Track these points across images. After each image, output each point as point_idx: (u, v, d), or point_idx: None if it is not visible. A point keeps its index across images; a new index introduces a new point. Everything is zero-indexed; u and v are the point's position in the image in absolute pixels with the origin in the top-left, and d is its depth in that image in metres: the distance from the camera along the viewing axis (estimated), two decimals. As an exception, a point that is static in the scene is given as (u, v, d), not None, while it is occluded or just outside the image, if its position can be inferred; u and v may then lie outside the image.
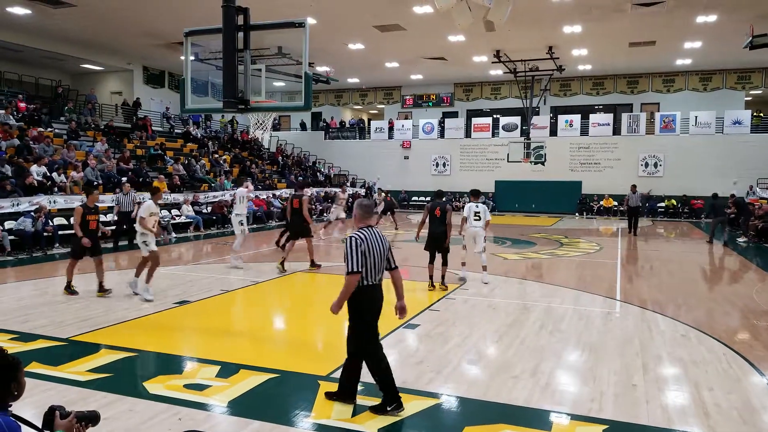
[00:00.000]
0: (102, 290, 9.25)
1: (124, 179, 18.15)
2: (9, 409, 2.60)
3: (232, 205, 15.85)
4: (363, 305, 4.71)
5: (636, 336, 7.21)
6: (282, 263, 11.80)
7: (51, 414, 2.72)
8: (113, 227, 15.44)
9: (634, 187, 20.85)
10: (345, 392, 4.92)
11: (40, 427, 2.71)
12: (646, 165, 29.36)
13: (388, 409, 4.72)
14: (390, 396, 4.75)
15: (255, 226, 20.85)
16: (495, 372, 5.84)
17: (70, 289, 9.23)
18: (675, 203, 28.27)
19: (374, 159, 34.31)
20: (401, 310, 4.96)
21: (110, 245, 15.00)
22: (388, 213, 21.91)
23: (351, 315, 4.78)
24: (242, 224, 12.53)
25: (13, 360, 2.66)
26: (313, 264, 12.15)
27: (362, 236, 4.65)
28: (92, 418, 2.88)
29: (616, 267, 12.92)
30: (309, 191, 18.19)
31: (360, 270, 4.58)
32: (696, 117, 28.70)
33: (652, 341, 6.99)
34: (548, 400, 5.12)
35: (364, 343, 4.79)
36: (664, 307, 8.96)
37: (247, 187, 13.05)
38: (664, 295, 10.02)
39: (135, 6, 18.72)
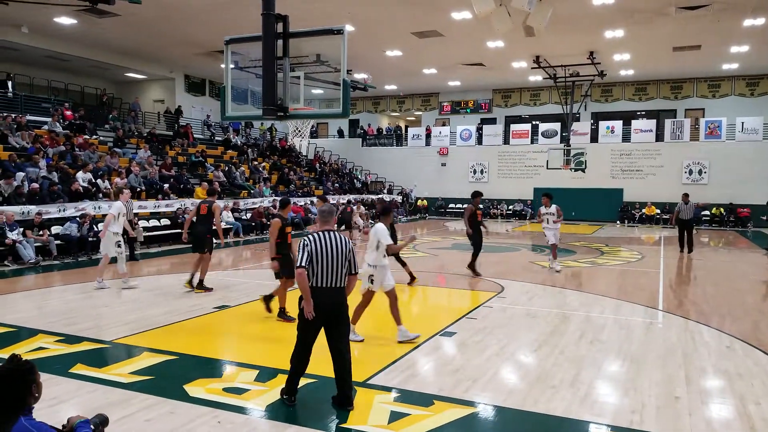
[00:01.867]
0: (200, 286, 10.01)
1: (119, 182, 18.15)
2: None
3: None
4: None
5: (679, 347, 7.00)
6: (191, 282, 10.23)
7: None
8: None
9: (686, 196, 17.35)
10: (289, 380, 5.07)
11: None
12: (690, 172, 28.59)
13: (283, 397, 5.03)
14: (288, 385, 5.05)
15: (294, 232, 21.03)
16: (533, 381, 5.74)
17: (202, 286, 10.06)
18: (722, 211, 27.42)
19: (411, 166, 34.32)
20: None
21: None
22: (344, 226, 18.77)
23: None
24: (119, 245, 10.33)
25: (29, 364, 2.74)
26: (200, 285, 10.10)
27: (312, 238, 4.85)
28: (104, 422, 2.96)
29: (659, 276, 12.59)
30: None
31: (304, 265, 4.76)
32: (743, 123, 27.83)
33: (695, 353, 6.78)
34: (587, 411, 5.01)
35: (299, 338, 4.98)
36: (709, 317, 8.69)
37: (126, 200, 10.85)
38: (708, 305, 9.72)
39: (177, 15, 19.20)
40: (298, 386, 5.09)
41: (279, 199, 8.42)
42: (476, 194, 12.49)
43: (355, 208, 20.73)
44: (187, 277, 10.29)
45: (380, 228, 7.09)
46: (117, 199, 10.90)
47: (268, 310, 8.34)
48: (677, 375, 5.97)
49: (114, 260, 10.60)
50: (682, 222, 16.92)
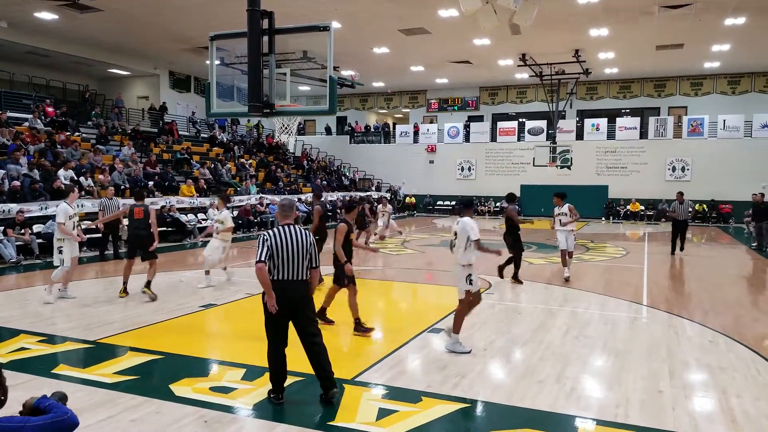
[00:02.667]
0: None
1: (102, 179, 17.89)
2: None
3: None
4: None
5: (663, 342, 7.07)
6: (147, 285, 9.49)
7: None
8: (99, 235, 14.03)
9: (680, 195, 16.03)
10: (271, 379, 5.10)
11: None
12: (674, 169, 28.89)
13: (270, 396, 5.06)
14: (273, 385, 5.08)
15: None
16: (520, 377, 5.77)
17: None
18: (704, 208, 27.72)
19: (399, 163, 34.34)
20: None
21: (96, 253, 14.43)
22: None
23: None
24: (61, 251, 9.11)
25: None
26: (148, 285, 9.32)
27: (272, 233, 4.91)
28: (63, 398, 2.86)
29: (643, 272, 12.71)
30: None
31: (263, 259, 4.81)
32: (724, 120, 28.18)
33: (679, 347, 6.86)
34: (573, 406, 5.05)
35: (267, 335, 5.04)
36: (692, 312, 8.79)
37: (72, 201, 9.43)
38: (691, 300, 9.84)
39: (161, 11, 19.00)
40: (285, 384, 5.07)
41: (344, 201, 7.50)
42: (513, 198, 12.34)
43: (378, 206, 19.95)
44: (144, 284, 9.39)
45: (470, 223, 6.63)
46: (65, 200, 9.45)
47: (329, 322, 7.67)
48: (661, 369, 6.03)
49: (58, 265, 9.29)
50: (677, 222, 15.79)
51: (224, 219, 10.75)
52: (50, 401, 2.66)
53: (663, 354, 6.58)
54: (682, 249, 15.80)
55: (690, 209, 16.16)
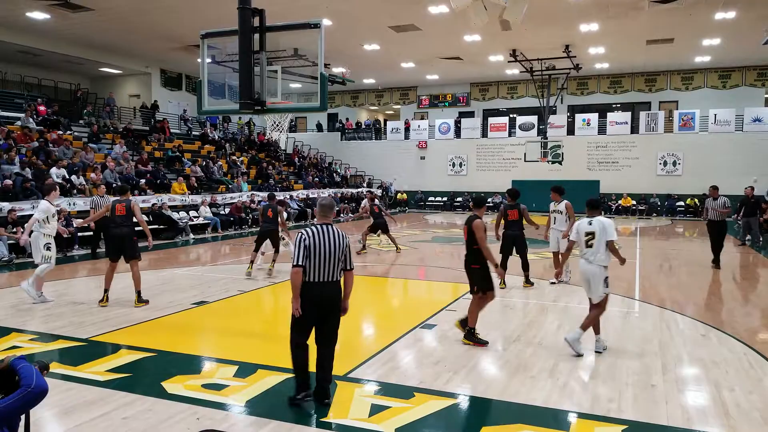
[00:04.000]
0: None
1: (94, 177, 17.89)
2: None
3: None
4: (302, 300, 4.78)
5: (655, 336, 7.13)
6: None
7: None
8: (90, 233, 14.03)
9: (714, 190, 13.16)
10: (296, 383, 4.96)
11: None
12: (665, 164, 29.04)
13: (297, 397, 4.88)
14: (299, 386, 4.92)
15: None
16: (513, 372, 5.80)
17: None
18: (696, 202, 27.88)
19: (391, 160, 34.33)
20: (343, 309, 5.00)
21: (88, 251, 14.34)
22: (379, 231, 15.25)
23: None
24: (49, 249, 8.99)
25: None
26: (140, 298, 8.78)
27: (309, 232, 4.76)
28: (45, 366, 2.90)
29: (635, 267, 12.77)
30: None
31: (301, 264, 4.69)
32: (715, 115, 28.33)
33: (671, 341, 6.91)
34: (566, 400, 5.08)
35: (292, 335, 4.93)
36: (684, 306, 8.85)
37: (53, 200, 9.29)
38: (683, 294, 9.90)
39: (152, 9, 18.91)
40: (307, 381, 4.95)
41: (473, 198, 6.89)
42: (517, 193, 11.01)
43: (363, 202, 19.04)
44: (135, 296, 8.82)
45: (609, 223, 6.40)
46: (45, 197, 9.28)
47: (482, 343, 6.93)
48: (653, 363, 6.07)
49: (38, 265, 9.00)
50: (712, 224, 13.00)
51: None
52: (23, 363, 2.71)
53: (655, 348, 6.62)
54: (714, 262, 12.76)
55: (726, 206, 12.86)
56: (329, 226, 4.87)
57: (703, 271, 12.48)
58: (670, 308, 8.67)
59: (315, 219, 5.07)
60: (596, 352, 6.39)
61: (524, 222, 10.54)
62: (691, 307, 8.83)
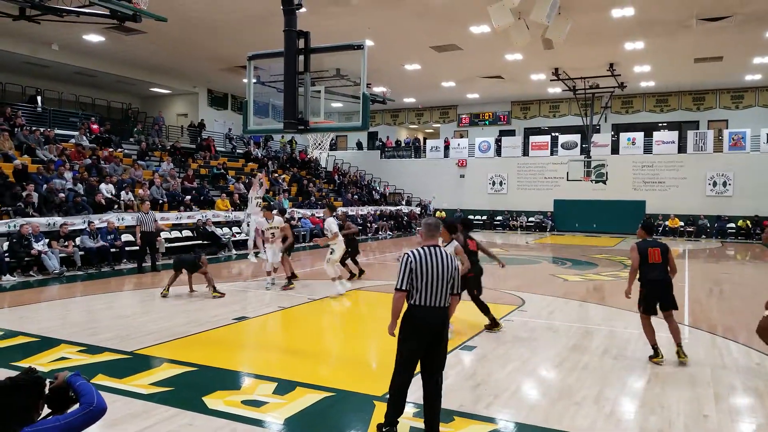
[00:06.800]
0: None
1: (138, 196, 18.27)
2: None
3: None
4: (407, 326, 4.51)
5: (707, 364, 6.85)
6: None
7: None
8: (136, 248, 14.54)
9: None
10: (387, 418, 4.65)
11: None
12: (714, 184, 28.17)
13: (384, 429, 4.61)
14: (390, 419, 4.62)
15: (311, 244, 21.09)
16: (556, 397, 5.65)
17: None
18: (747, 224, 26.93)
19: (430, 178, 34.31)
20: None
21: (134, 265, 14.72)
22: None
23: (398, 334, 4.62)
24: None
25: (42, 379, 2.71)
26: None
27: (416, 255, 4.49)
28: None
29: (684, 290, 12.36)
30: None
31: (404, 288, 4.46)
32: (767, 134, 27.39)
33: (724, 369, 6.63)
34: (612, 429, 4.91)
35: (396, 366, 4.60)
36: (737, 333, 8.50)
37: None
38: (736, 320, 9.52)
39: (201, 32, 19.51)
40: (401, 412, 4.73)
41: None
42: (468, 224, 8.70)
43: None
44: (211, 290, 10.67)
45: None
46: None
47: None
48: (705, 392, 5.83)
49: None
50: None
51: (329, 226, 11.24)
52: (81, 380, 2.75)
53: (707, 376, 6.36)
54: None
55: None
56: (436, 248, 4.59)
57: (756, 297, 11.96)
58: (721, 335, 8.35)
59: (419, 239, 4.79)
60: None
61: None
62: (745, 334, 8.46)
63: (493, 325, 8.22)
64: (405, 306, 4.60)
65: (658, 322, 7.03)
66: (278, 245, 11.79)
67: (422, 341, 4.48)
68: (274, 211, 12.24)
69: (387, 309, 4.75)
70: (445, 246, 7.59)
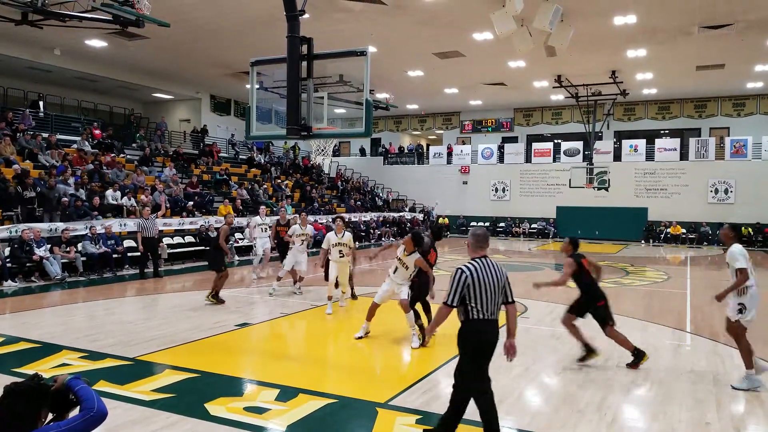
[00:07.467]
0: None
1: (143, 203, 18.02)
2: None
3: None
4: (468, 340, 4.45)
5: (709, 371, 6.83)
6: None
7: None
8: (138, 253, 14.48)
9: None
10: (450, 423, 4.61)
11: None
12: (716, 191, 28.15)
13: None
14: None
15: (315, 249, 21.09)
16: (559, 405, 5.64)
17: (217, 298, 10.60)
18: (749, 231, 26.87)
19: (433, 184, 34.32)
20: (510, 348, 4.61)
21: (136, 271, 14.67)
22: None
23: (459, 350, 4.58)
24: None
25: (47, 387, 2.72)
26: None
27: (471, 268, 4.40)
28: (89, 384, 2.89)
29: (686, 297, 12.34)
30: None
31: (455, 304, 4.37)
32: (769, 142, 27.41)
33: (726, 376, 6.61)
34: (615, 437, 4.89)
35: (470, 381, 4.52)
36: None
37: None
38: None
39: (204, 37, 19.56)
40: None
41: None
42: (439, 232, 8.91)
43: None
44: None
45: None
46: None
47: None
48: (708, 399, 5.81)
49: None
50: None
51: (347, 241, 10.30)
52: (81, 385, 2.75)
53: (709, 383, 6.35)
54: None
55: None
56: (488, 259, 4.53)
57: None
58: (723, 342, 8.31)
59: (468, 251, 4.67)
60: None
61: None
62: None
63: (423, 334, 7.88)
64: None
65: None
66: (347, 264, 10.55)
67: (485, 353, 4.48)
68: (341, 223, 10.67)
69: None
70: (408, 256, 7.81)
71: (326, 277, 10.71)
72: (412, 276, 7.93)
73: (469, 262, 4.48)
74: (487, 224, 32.23)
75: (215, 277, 10.72)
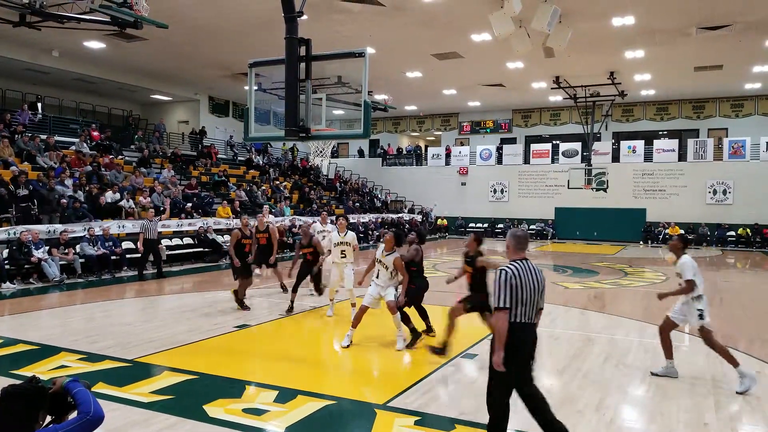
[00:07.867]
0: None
1: (146, 203, 17.89)
2: None
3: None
4: (511, 345, 4.20)
5: (707, 371, 6.84)
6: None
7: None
8: (138, 255, 14.40)
9: None
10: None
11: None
12: (715, 192, 28.18)
13: None
14: None
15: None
16: (557, 405, 5.61)
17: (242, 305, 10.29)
18: (747, 232, 26.92)
19: (431, 185, 34.34)
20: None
21: (135, 273, 14.58)
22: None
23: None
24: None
25: (45, 390, 2.71)
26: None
27: (514, 270, 4.22)
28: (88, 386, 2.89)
29: (685, 298, 12.33)
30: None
31: (507, 306, 4.17)
32: (767, 142, 27.43)
33: (724, 377, 6.61)
34: (614, 438, 4.90)
35: (519, 386, 4.38)
36: (737, 341, 8.47)
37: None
38: (736, 328, 9.49)
39: (202, 39, 19.57)
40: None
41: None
42: (422, 237, 8.83)
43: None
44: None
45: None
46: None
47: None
48: (706, 401, 5.82)
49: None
50: None
51: (350, 240, 9.74)
52: (79, 387, 2.75)
53: (708, 385, 6.36)
54: None
55: None
56: (529, 262, 4.37)
57: (755, 305, 11.98)
58: (722, 343, 8.30)
59: (507, 253, 4.50)
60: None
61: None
62: (744, 342, 8.45)
63: (415, 337, 7.95)
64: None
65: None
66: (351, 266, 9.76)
67: (528, 357, 4.36)
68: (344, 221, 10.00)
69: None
70: (387, 256, 7.79)
71: (294, 288, 10.20)
72: (393, 275, 7.82)
73: (511, 263, 4.31)
74: (486, 225, 32.25)
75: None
